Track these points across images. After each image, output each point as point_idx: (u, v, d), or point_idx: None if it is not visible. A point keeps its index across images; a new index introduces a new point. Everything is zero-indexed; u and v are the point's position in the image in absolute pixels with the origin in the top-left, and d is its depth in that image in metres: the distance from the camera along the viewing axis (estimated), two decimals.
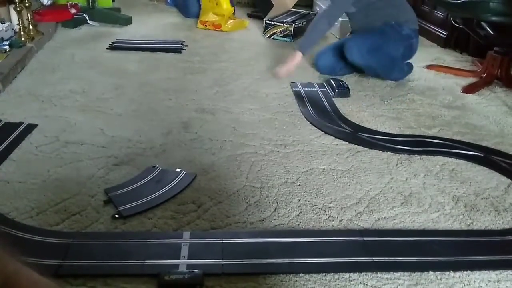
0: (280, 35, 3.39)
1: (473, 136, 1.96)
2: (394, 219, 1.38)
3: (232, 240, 1.23)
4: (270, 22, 3.41)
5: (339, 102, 2.24)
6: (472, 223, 1.39)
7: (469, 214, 1.43)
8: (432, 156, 1.77)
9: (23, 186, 1.43)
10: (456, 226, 1.38)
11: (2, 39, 2.50)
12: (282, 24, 3.37)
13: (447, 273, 1.16)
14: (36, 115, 1.91)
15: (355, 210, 1.41)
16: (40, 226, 1.26)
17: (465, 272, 1.17)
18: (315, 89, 2.39)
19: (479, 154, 1.80)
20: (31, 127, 1.80)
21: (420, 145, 1.86)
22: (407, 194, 1.52)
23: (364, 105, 2.25)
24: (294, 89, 2.38)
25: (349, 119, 2.07)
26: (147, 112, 2.02)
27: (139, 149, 1.70)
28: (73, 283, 1.07)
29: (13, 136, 1.72)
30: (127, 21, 3.52)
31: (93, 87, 2.26)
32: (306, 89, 2.37)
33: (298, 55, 2.44)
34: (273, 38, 3.41)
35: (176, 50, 2.89)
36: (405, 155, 1.77)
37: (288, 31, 3.36)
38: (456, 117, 2.16)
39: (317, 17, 2.54)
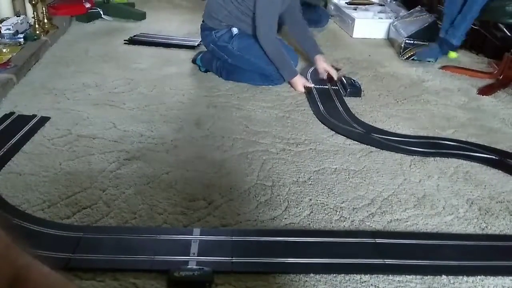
0: None
1: (488, 139, 1.93)
2: (407, 221, 1.36)
3: (242, 238, 1.23)
4: (412, 41, 2.93)
5: (351, 102, 2.22)
6: (486, 227, 1.37)
7: (483, 218, 1.40)
8: (446, 158, 1.75)
9: (35, 178, 1.44)
10: (470, 230, 1.35)
11: (17, 32, 2.52)
12: (426, 43, 2.89)
13: (460, 277, 1.15)
14: (49, 108, 1.92)
15: (367, 211, 1.40)
16: (51, 219, 1.26)
17: (478, 277, 1.15)
18: (327, 87, 2.37)
19: (494, 157, 1.77)
20: (44, 120, 1.80)
21: (434, 146, 1.83)
22: (420, 196, 1.49)
23: (378, 105, 2.22)
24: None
25: (362, 119, 2.04)
26: (159, 107, 2.02)
27: (151, 144, 1.70)
28: (82, 277, 1.07)
29: (26, 128, 1.73)
30: (141, 16, 3.52)
31: (106, 81, 2.27)
32: (318, 87, 2.35)
33: (298, 78, 2.34)
34: (412, 59, 2.93)
35: (190, 47, 2.88)
36: (419, 156, 1.74)
37: None
38: (471, 119, 2.13)
39: (273, 49, 2.29)
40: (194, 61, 2.55)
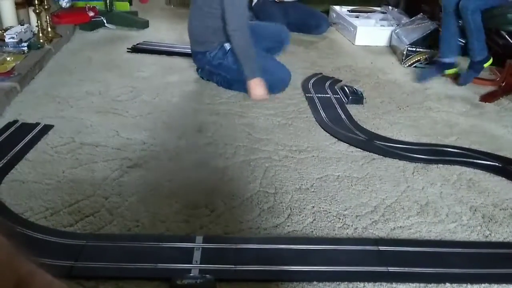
0: (425, 62, 2.95)
1: (491, 146, 1.92)
2: (410, 229, 1.36)
3: (245, 246, 1.22)
4: (414, 48, 2.97)
5: (354, 109, 2.22)
6: (490, 234, 1.36)
7: (487, 225, 1.40)
8: (449, 165, 1.74)
9: (38, 186, 1.44)
10: (473, 237, 1.35)
11: (21, 41, 2.53)
12: (427, 51, 2.93)
13: (464, 285, 1.14)
14: (52, 116, 1.93)
15: (370, 219, 1.39)
16: (54, 227, 1.26)
17: (482, 285, 1.15)
18: (328, 95, 2.37)
19: (497, 164, 1.76)
20: (47, 128, 1.81)
21: (437, 154, 1.83)
22: (424, 204, 1.49)
23: (380, 112, 2.23)
24: (307, 95, 2.36)
25: (364, 126, 2.04)
26: (161, 115, 2.02)
27: (153, 152, 1.70)
28: (85, 285, 1.07)
29: (29, 136, 1.73)
30: (144, 24, 3.55)
31: (109, 89, 2.28)
32: (319, 95, 2.36)
33: (259, 82, 2.25)
34: (414, 67, 2.95)
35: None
36: (422, 163, 1.74)
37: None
38: (474, 126, 2.12)
39: (244, 43, 2.24)
40: (198, 69, 2.53)
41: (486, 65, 2.62)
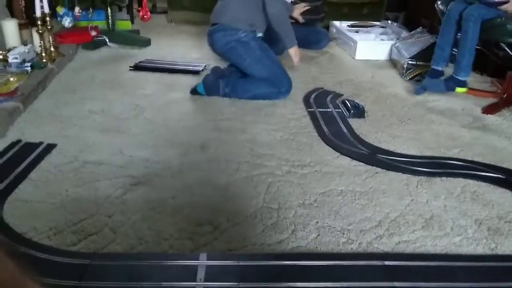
0: (426, 76, 2.83)
1: (494, 158, 1.92)
2: (415, 243, 1.35)
3: (249, 263, 1.22)
4: (414, 62, 3.00)
5: (355, 123, 2.22)
6: (496, 247, 1.35)
7: (492, 238, 1.39)
8: (452, 178, 1.74)
9: (42, 206, 1.44)
10: (479, 250, 1.34)
11: (24, 61, 2.56)
12: (428, 64, 2.86)
13: None
14: (55, 135, 1.94)
15: (375, 233, 1.38)
16: (57, 246, 1.26)
17: None
18: (330, 110, 2.38)
19: (501, 176, 1.76)
20: (50, 147, 1.82)
21: (440, 166, 1.83)
22: (428, 217, 1.48)
23: (382, 125, 2.23)
24: (308, 109, 2.37)
25: (367, 140, 2.05)
26: (164, 132, 2.03)
27: (156, 169, 1.70)
28: None
29: (32, 155, 1.74)
30: (146, 43, 3.58)
31: (112, 107, 2.29)
32: (321, 110, 2.37)
33: (296, 49, 2.63)
34: (416, 80, 2.95)
35: (195, 72, 2.92)
36: (425, 176, 1.74)
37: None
38: (477, 138, 2.12)
39: (284, 18, 2.59)
40: (194, 91, 2.51)
41: (459, 89, 2.66)
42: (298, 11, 3.47)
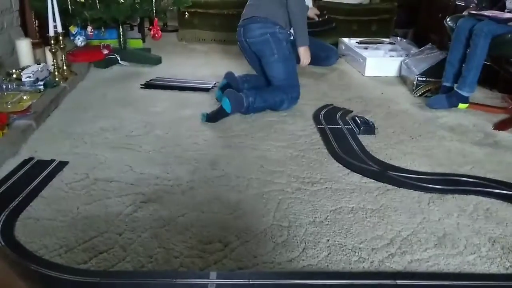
0: (436, 92, 2.88)
1: (507, 174, 1.90)
2: (428, 261, 1.33)
3: (259, 281, 1.21)
4: (424, 78, 2.98)
5: (366, 139, 2.22)
6: (510, 266, 1.32)
7: (507, 257, 1.36)
8: (465, 195, 1.72)
9: (53, 223, 1.45)
10: (493, 269, 1.31)
11: (37, 80, 2.60)
12: (438, 80, 2.87)
13: None
14: (67, 153, 1.96)
15: (387, 252, 1.37)
16: (68, 264, 1.26)
17: None
18: (339, 126, 2.38)
19: None
20: (62, 165, 1.83)
21: (452, 183, 1.81)
22: (441, 235, 1.46)
23: (392, 142, 2.22)
24: (318, 126, 2.37)
25: (377, 156, 2.04)
26: (174, 149, 2.04)
27: (167, 186, 1.71)
28: None
29: (44, 173, 1.75)
30: (157, 61, 3.62)
31: (123, 125, 2.31)
32: (331, 126, 2.37)
33: (307, 49, 2.68)
34: (425, 96, 2.95)
35: (205, 89, 2.94)
36: (437, 194, 1.72)
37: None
38: (489, 155, 2.10)
39: (302, 16, 2.66)
40: (213, 117, 2.44)
41: (461, 106, 2.66)
42: (312, 11, 3.68)
